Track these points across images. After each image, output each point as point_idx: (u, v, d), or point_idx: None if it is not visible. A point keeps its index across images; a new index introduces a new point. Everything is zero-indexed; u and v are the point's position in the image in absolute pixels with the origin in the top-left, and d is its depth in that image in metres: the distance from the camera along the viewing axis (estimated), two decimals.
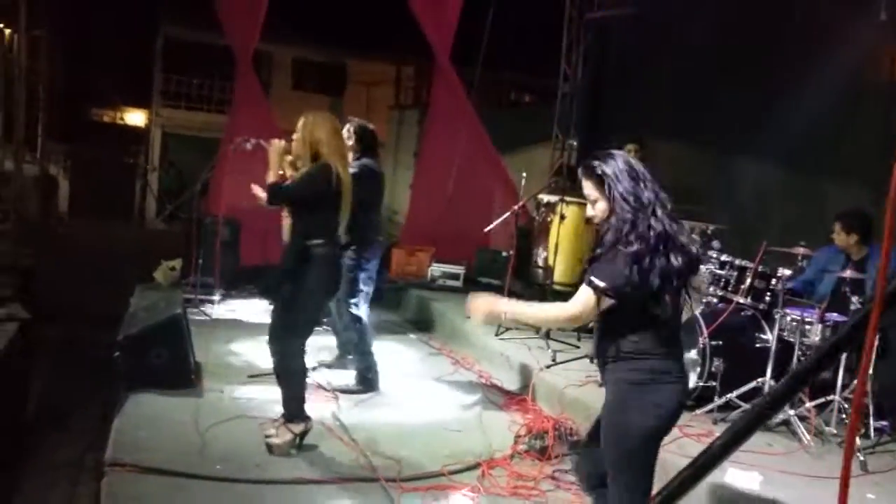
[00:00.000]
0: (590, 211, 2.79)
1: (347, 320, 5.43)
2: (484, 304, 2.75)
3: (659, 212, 2.63)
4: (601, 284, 2.59)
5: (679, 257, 2.62)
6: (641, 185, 2.65)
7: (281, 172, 4.30)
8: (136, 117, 21.42)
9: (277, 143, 4.32)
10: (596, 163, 2.71)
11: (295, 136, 4.24)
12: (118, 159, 19.16)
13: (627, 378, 2.66)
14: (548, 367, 5.66)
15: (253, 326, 6.81)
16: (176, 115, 20.12)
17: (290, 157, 4.32)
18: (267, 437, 4.19)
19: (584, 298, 2.63)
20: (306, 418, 4.23)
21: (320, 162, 4.14)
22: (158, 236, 15.05)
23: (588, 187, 2.76)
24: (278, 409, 4.35)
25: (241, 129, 8.29)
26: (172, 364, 4.95)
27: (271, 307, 4.81)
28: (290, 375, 4.23)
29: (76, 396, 5.77)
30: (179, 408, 4.67)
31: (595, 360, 2.94)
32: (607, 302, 2.62)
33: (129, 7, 18.30)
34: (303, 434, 4.20)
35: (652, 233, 2.58)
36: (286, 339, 4.20)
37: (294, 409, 4.20)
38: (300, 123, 4.22)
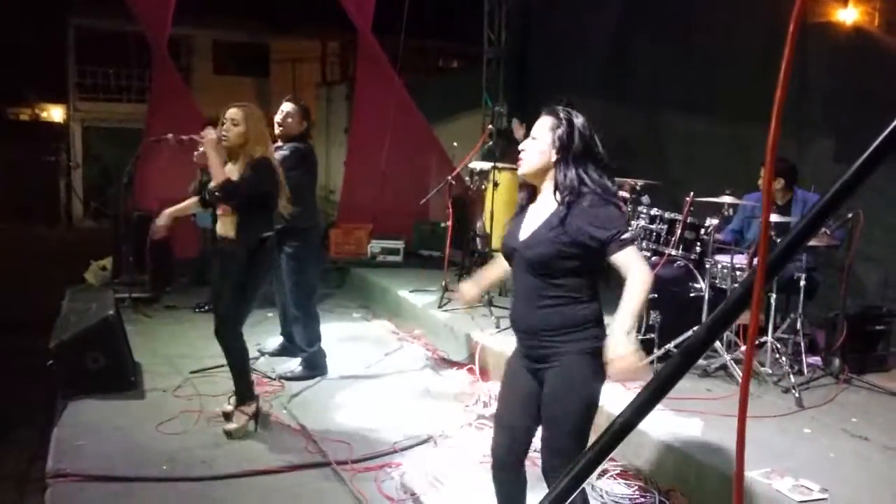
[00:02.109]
0: (525, 144, 2.68)
1: (292, 307, 5.37)
2: (628, 366, 2.39)
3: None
4: (630, 236, 2.52)
5: None
6: (595, 142, 2.63)
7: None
8: (53, 113, 20.62)
9: (210, 135, 4.10)
10: (564, 112, 2.65)
11: (238, 128, 4.08)
12: (39, 159, 18.43)
13: (586, 348, 2.54)
14: (493, 334, 5.71)
15: (191, 321, 6.69)
16: (95, 108, 19.42)
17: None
18: (224, 430, 4.21)
19: (640, 257, 2.53)
20: (255, 398, 4.33)
21: (260, 158, 4.10)
22: (87, 236, 14.58)
23: (543, 126, 2.65)
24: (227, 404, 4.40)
25: (163, 121, 8.06)
26: (110, 367, 4.83)
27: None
28: (234, 358, 4.29)
29: (15, 407, 5.59)
30: (121, 411, 4.57)
31: (528, 335, 2.66)
32: None
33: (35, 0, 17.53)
34: (255, 415, 4.29)
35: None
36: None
37: (242, 391, 4.28)
38: (241, 114, 4.09)
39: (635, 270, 2.46)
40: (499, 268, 2.99)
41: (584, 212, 2.51)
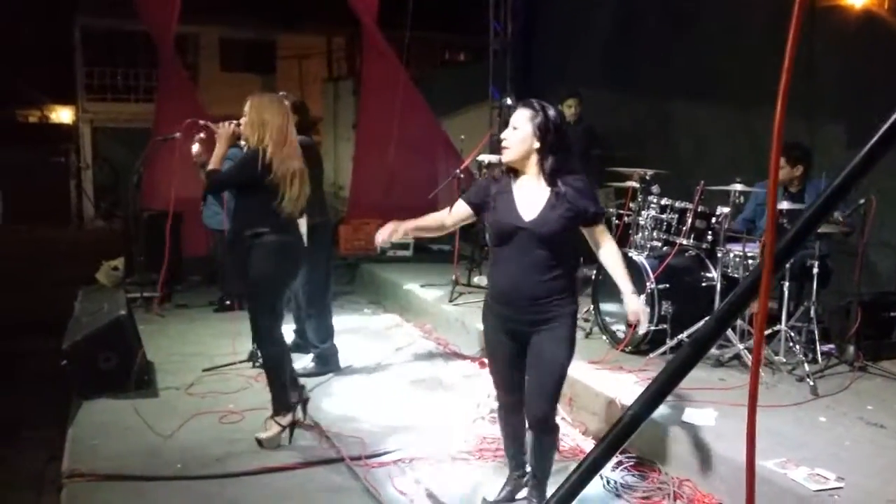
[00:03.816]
0: (507, 133, 3.00)
1: (304, 304, 5.37)
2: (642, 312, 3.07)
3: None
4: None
5: None
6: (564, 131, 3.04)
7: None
8: (62, 114, 20.68)
9: (226, 127, 4.11)
10: (538, 104, 3.00)
11: (243, 120, 4.05)
12: (48, 160, 18.52)
13: (574, 312, 3.06)
14: None
15: (203, 320, 6.71)
16: (103, 109, 19.46)
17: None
18: (256, 438, 4.09)
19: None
20: (292, 409, 4.16)
21: (252, 148, 3.97)
22: (98, 236, 14.66)
23: (522, 117, 2.97)
24: (240, 402, 4.36)
25: (170, 120, 8.06)
26: (122, 367, 4.85)
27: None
28: (266, 366, 4.19)
29: (31, 408, 5.63)
30: (135, 410, 4.57)
31: (528, 302, 3.01)
32: None
33: (40, 1, 17.55)
34: (291, 426, 4.13)
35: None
36: (256, 331, 4.20)
37: (277, 401, 4.12)
38: (247, 105, 4.05)
39: (610, 241, 3.04)
40: (432, 221, 3.24)
41: (577, 190, 2.94)
